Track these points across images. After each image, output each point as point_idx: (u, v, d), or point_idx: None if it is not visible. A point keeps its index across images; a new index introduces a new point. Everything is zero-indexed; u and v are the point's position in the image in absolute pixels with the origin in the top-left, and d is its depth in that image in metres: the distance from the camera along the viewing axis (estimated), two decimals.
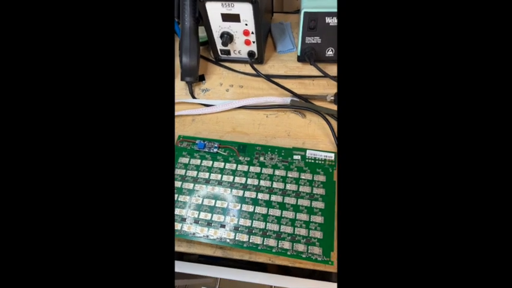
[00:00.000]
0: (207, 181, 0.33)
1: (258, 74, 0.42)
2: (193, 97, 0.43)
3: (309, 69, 0.44)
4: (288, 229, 0.29)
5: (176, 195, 0.33)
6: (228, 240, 0.29)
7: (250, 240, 0.29)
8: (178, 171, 0.34)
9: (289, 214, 0.30)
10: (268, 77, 0.41)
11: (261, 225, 0.30)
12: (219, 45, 0.44)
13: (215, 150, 0.35)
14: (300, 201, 0.31)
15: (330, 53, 0.42)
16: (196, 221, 0.31)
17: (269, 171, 0.33)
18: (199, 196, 0.32)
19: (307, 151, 0.34)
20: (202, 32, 0.44)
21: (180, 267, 0.37)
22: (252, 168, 0.34)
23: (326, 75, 0.40)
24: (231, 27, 0.41)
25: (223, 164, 0.34)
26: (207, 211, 0.31)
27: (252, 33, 0.40)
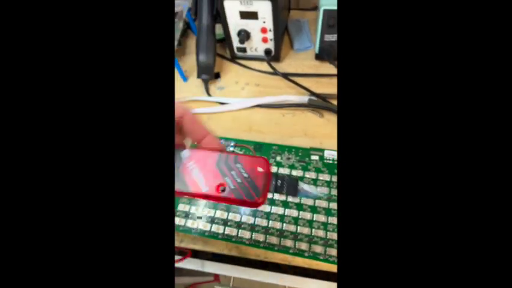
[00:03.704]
0: None
1: (275, 72, 0.41)
2: (209, 95, 0.43)
3: (327, 68, 0.43)
4: (306, 230, 0.29)
5: None
6: (244, 240, 0.29)
7: (267, 240, 0.29)
8: None
9: (306, 215, 0.30)
10: (286, 75, 0.41)
11: (278, 225, 0.30)
12: (236, 43, 0.43)
13: (231, 149, 0.35)
14: (318, 202, 0.30)
15: None
16: (212, 220, 0.31)
17: (286, 171, 0.33)
18: None
19: (326, 151, 0.33)
20: (218, 29, 0.43)
21: (194, 264, 0.37)
22: None
23: None
24: (248, 24, 0.40)
25: None
26: (223, 210, 0.31)
27: (270, 30, 0.40)
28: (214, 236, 0.30)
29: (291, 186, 0.19)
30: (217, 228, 0.30)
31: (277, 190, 0.19)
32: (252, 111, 0.40)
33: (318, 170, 0.32)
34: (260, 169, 0.18)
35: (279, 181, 0.19)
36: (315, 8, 0.52)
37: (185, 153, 0.18)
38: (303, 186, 0.19)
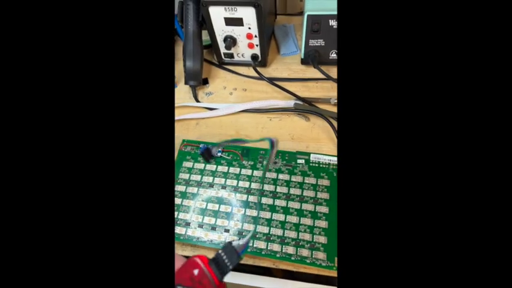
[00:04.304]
0: (211, 185, 0.33)
1: (261, 77, 0.42)
2: (197, 101, 0.43)
3: (313, 72, 0.43)
4: (292, 234, 0.29)
5: (180, 200, 0.33)
6: None
7: (254, 245, 0.29)
8: (182, 176, 0.34)
9: (293, 219, 0.30)
10: (271, 80, 0.41)
11: (265, 229, 0.30)
12: (222, 49, 0.44)
13: (219, 154, 0.35)
14: (304, 206, 0.31)
15: (333, 55, 0.42)
16: (201, 226, 0.31)
17: (273, 175, 0.33)
18: (203, 200, 0.32)
19: (311, 155, 0.34)
20: (205, 36, 0.44)
21: None
22: (255, 173, 0.34)
23: (329, 78, 0.40)
24: (234, 31, 0.41)
25: (226, 168, 0.34)
26: (211, 215, 0.31)
27: (255, 36, 0.40)
28: (201, 241, 0.30)
29: (230, 255, 0.17)
30: (205, 234, 0.30)
31: (223, 271, 0.17)
32: (239, 115, 0.41)
33: (304, 174, 0.33)
34: (196, 271, 0.16)
35: (217, 263, 0.17)
36: (301, 13, 0.53)
37: None
38: (238, 242, 0.18)
